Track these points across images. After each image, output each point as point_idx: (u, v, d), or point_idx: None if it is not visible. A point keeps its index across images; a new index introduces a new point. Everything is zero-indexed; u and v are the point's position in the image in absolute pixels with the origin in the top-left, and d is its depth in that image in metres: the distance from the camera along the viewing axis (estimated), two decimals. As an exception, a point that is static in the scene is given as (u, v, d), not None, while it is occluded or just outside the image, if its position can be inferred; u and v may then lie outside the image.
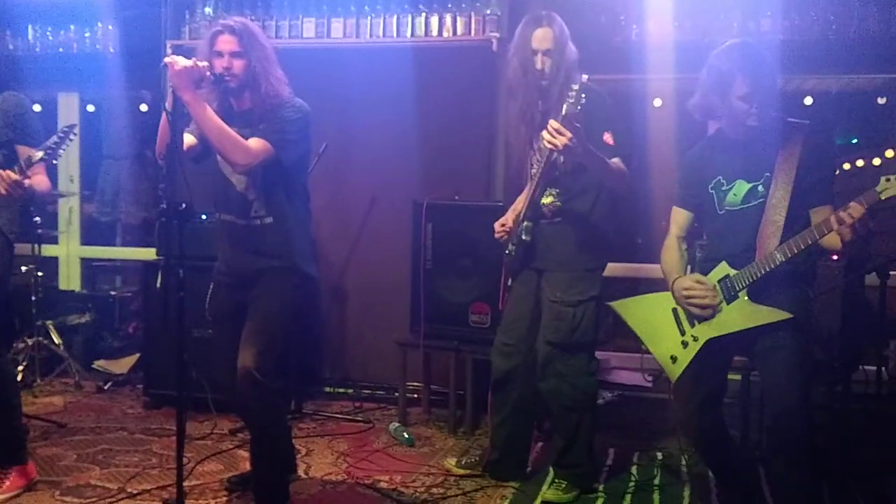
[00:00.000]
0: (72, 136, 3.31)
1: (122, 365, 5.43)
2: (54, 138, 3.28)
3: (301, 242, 3.32)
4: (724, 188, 2.95)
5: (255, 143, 3.09)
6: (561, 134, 2.98)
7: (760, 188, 2.87)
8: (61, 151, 3.31)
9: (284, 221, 3.25)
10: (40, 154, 3.25)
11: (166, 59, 2.98)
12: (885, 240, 4.74)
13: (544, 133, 3.04)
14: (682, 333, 3.00)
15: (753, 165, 2.90)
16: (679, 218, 3.15)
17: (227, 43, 3.14)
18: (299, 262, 3.28)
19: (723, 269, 2.91)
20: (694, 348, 2.95)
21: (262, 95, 3.16)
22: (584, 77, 3.06)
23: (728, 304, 2.89)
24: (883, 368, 3.82)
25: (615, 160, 3.29)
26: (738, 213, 2.92)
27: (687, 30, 4.73)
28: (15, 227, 3.55)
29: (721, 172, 2.97)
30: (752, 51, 2.89)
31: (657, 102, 5.07)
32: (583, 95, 2.98)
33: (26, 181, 3.27)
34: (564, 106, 3.02)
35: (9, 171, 3.24)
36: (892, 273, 3.78)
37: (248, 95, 3.19)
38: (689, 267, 3.14)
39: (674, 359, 3.00)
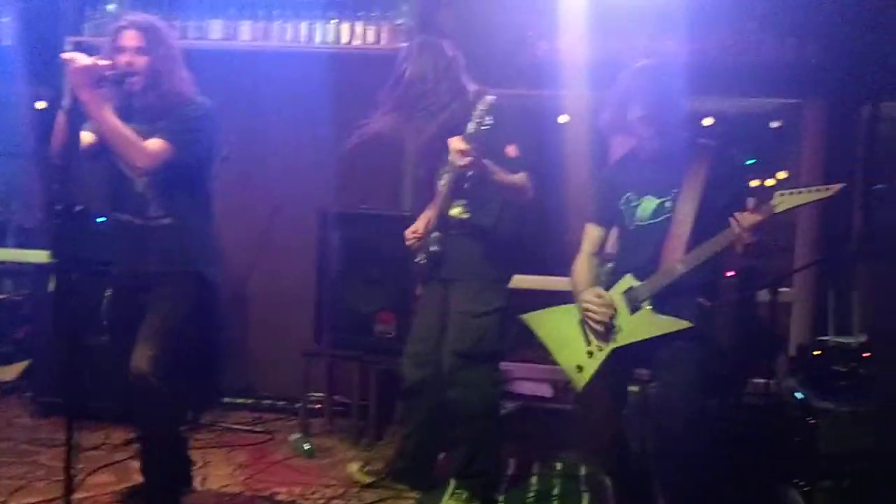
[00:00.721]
0: None
1: (11, 371, 5.20)
2: None
3: (202, 245, 3.25)
4: (633, 204, 3.06)
5: (154, 143, 3.01)
6: (464, 155, 3.03)
7: (668, 204, 2.98)
8: None
9: (184, 222, 3.18)
10: None
11: (64, 56, 2.88)
12: (776, 257, 4.93)
13: (451, 150, 3.08)
14: (588, 343, 3.08)
15: (661, 182, 3.00)
16: (591, 235, 3.24)
17: (131, 39, 3.08)
18: (199, 266, 3.22)
19: (627, 280, 3.01)
20: (599, 358, 3.03)
21: (163, 93, 3.09)
22: (490, 98, 3.07)
23: (632, 314, 2.98)
24: (770, 382, 3.96)
25: (519, 175, 3.32)
26: (646, 228, 3.02)
27: (595, 48, 4.82)
28: None
29: (631, 188, 3.08)
30: (656, 73, 2.99)
31: (563, 118, 5.16)
32: (489, 117, 3.01)
33: None
34: (471, 125, 3.05)
35: None
36: (781, 290, 3.93)
37: (150, 94, 3.11)
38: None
39: (580, 368, 3.08)
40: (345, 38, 4.85)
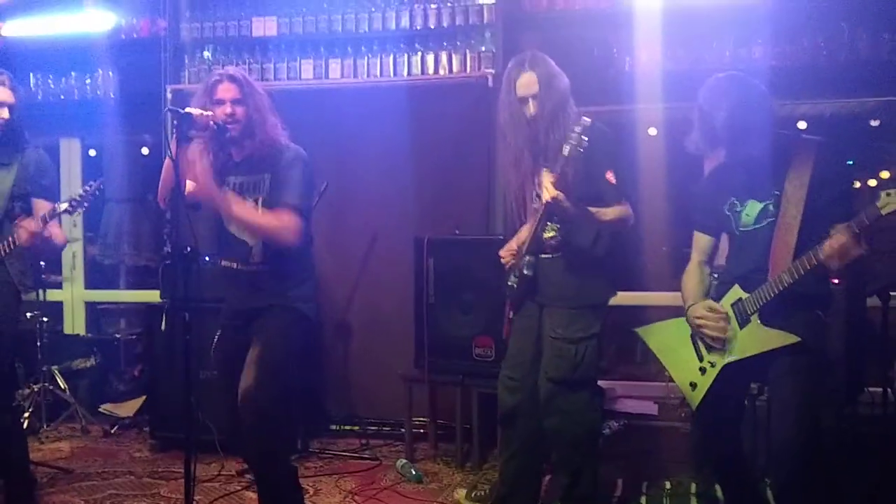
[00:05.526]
0: (96, 193, 3.40)
1: (128, 408, 5.43)
2: (80, 192, 3.37)
3: (300, 286, 3.35)
4: (737, 209, 2.99)
5: (287, 219, 3.18)
6: (549, 191, 3.07)
7: (771, 207, 2.89)
8: (85, 205, 3.40)
9: (283, 267, 3.29)
10: (65, 206, 3.34)
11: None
12: (886, 261, 4.76)
13: (542, 184, 3.12)
14: (700, 359, 3.04)
15: (763, 185, 2.92)
16: (700, 242, 3.18)
17: (227, 91, 3.22)
18: (296, 303, 3.32)
19: (735, 292, 2.94)
20: (711, 374, 2.99)
21: (258, 143, 3.23)
22: (587, 120, 3.07)
23: (742, 328, 2.92)
24: (889, 390, 3.82)
25: (615, 209, 3.28)
26: (751, 234, 2.94)
27: (680, 59, 4.79)
28: (26, 280, 3.65)
29: (734, 193, 3.00)
30: (734, 81, 2.92)
31: (652, 131, 5.12)
32: (584, 138, 3.01)
33: (45, 233, 3.36)
34: (567, 147, 3.06)
35: (30, 221, 3.33)
36: (893, 294, 3.79)
37: (247, 143, 3.25)
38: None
39: (693, 385, 3.04)
40: (430, 69, 4.94)
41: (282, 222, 3.17)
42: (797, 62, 4.62)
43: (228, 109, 3.19)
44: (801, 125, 4.96)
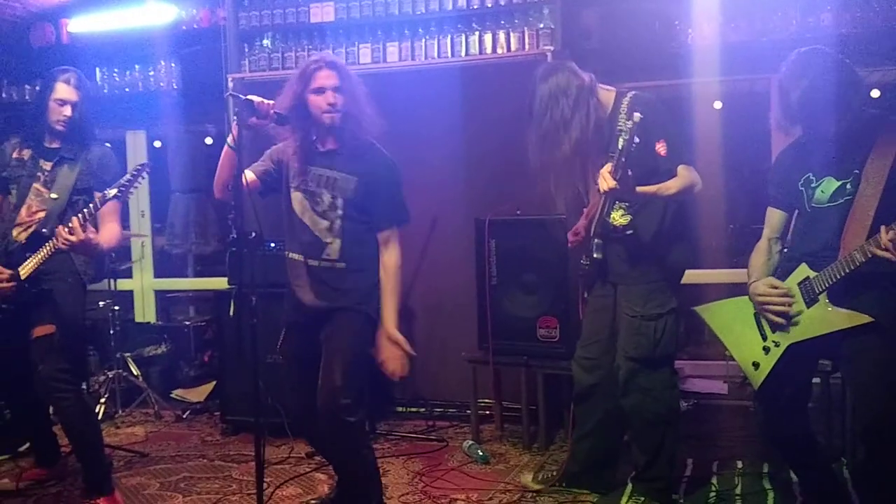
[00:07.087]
0: (144, 175, 3.41)
1: (199, 393, 5.55)
2: (127, 176, 3.39)
3: (373, 286, 3.30)
4: (812, 185, 2.89)
5: (393, 246, 3.28)
6: (606, 181, 3.04)
7: (849, 186, 2.79)
8: (133, 189, 3.41)
9: (357, 267, 3.26)
10: (114, 191, 3.36)
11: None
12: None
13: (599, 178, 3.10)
14: (764, 338, 2.97)
15: (843, 163, 2.82)
16: (773, 219, 3.10)
17: (328, 78, 3.13)
18: (369, 306, 3.28)
19: (803, 270, 2.86)
20: (776, 354, 2.91)
21: (355, 133, 3.17)
22: (638, 115, 3.00)
23: (808, 307, 2.83)
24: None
25: (680, 175, 3.22)
26: (823, 211, 2.85)
27: (742, 30, 4.67)
28: (90, 269, 3.71)
29: (811, 169, 2.91)
30: (813, 60, 2.81)
31: (717, 105, 5.01)
32: (636, 137, 2.96)
33: (92, 236, 3.38)
34: (620, 140, 3.02)
35: (71, 227, 3.34)
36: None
37: (337, 134, 3.19)
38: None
39: (756, 365, 2.97)
40: (489, 48, 4.90)
41: (398, 254, 3.28)
42: (869, 28, 4.46)
43: (331, 98, 3.10)
44: (875, 93, 4.79)
